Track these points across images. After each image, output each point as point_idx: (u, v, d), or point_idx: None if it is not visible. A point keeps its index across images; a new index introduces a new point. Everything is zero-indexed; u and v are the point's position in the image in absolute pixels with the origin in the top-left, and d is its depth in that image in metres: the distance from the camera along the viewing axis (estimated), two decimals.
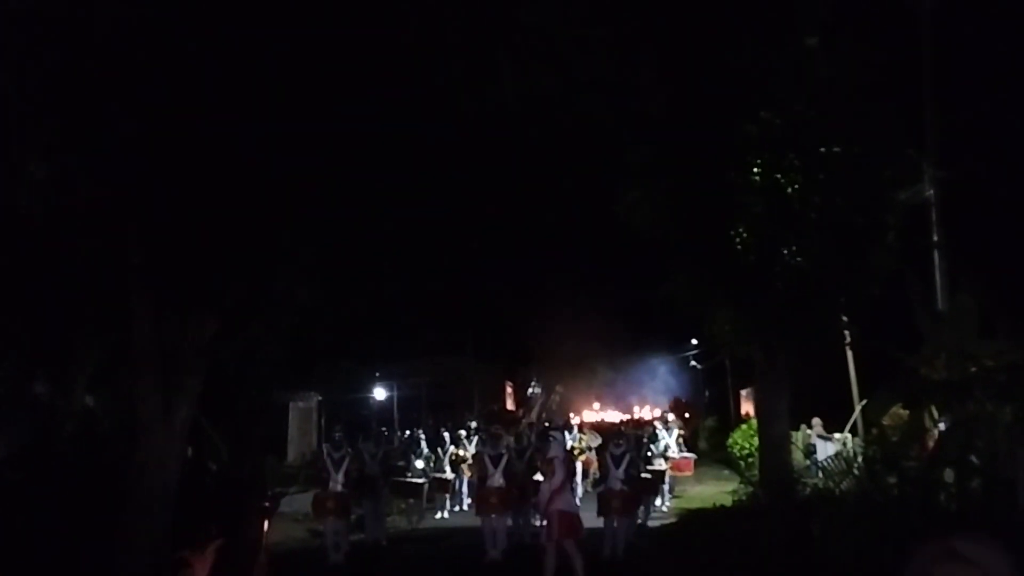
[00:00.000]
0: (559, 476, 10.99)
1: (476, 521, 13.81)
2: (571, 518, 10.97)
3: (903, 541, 7.73)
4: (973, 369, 8.91)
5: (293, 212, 10.03)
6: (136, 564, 8.78)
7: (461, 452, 18.33)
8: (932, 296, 12.02)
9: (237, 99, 8.57)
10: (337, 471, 13.49)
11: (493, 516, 13.25)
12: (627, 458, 13.32)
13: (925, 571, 1.56)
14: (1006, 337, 8.87)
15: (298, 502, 15.79)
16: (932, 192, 13.04)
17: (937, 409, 9.19)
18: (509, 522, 14.03)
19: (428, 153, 11.40)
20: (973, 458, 8.54)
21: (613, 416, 37.03)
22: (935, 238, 13.11)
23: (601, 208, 13.15)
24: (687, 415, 36.30)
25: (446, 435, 18.67)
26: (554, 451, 11.47)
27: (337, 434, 14.54)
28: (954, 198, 13.26)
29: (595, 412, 39.57)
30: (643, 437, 17.24)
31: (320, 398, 30.04)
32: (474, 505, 14.72)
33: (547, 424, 19.73)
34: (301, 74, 8.82)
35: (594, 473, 18.65)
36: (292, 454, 27.52)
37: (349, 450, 14.08)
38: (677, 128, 10.80)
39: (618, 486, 12.97)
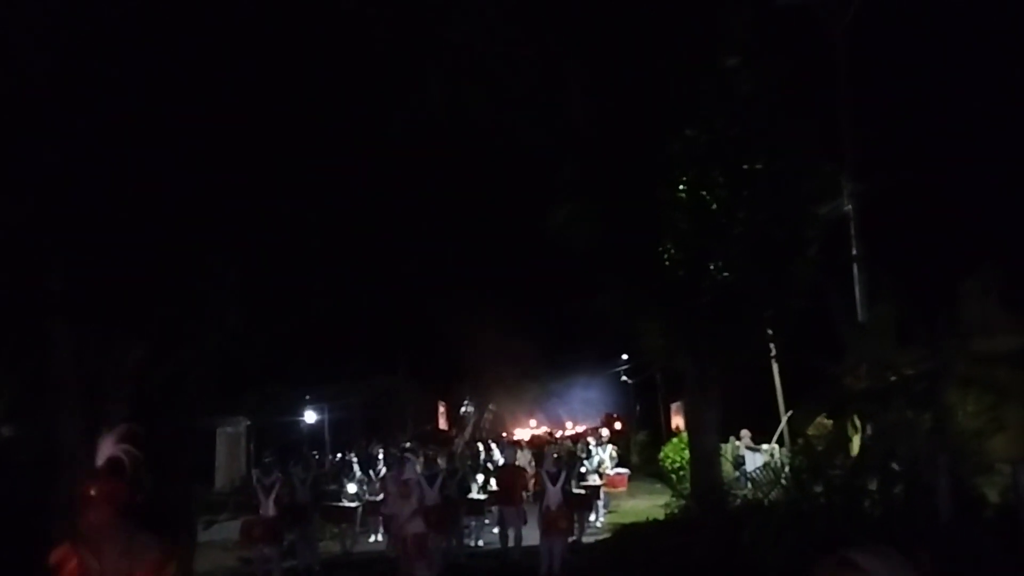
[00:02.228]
0: (415, 498, 11.05)
1: None
2: (424, 539, 11.07)
3: (830, 548, 7.90)
4: (893, 378, 9.18)
5: (220, 235, 9.87)
6: None
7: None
8: (852, 308, 12.37)
9: (161, 122, 8.43)
10: (267, 497, 13.23)
11: (431, 535, 13.13)
12: (563, 475, 13.37)
13: None
14: (923, 346, 9.16)
15: (228, 530, 15.41)
16: (850, 206, 13.45)
17: (859, 418, 9.43)
18: (443, 543, 13.95)
19: (357, 173, 11.35)
20: (895, 465, 8.79)
21: (542, 432, 37.09)
22: (854, 251, 13.50)
23: (531, 225, 13.24)
24: (617, 426, 36.58)
25: (380, 456, 18.44)
26: (409, 473, 11.46)
27: (267, 459, 14.31)
28: (872, 211, 13.69)
29: (528, 428, 39.56)
30: (577, 453, 17.31)
31: (249, 423, 29.44)
32: None
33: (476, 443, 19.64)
34: (226, 94, 8.72)
35: (528, 492, 18.63)
36: (220, 481, 26.89)
37: (279, 475, 13.82)
38: (605, 145, 10.93)
39: (555, 504, 12.97)
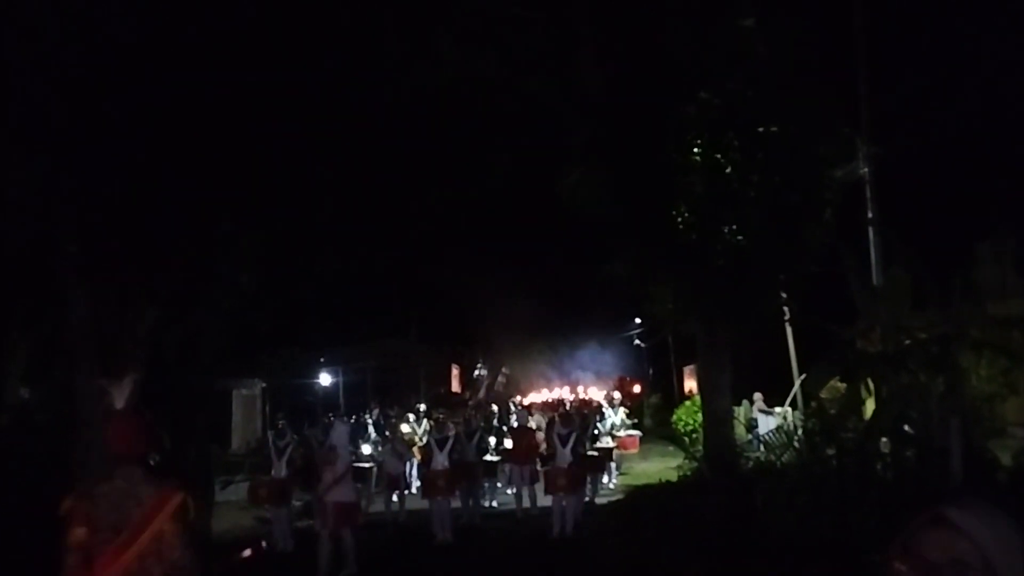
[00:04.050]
0: (341, 465, 10.98)
1: (426, 504, 13.86)
2: (349, 507, 11.05)
3: (841, 510, 7.93)
4: (907, 341, 9.15)
5: (234, 198, 9.89)
6: None
7: (407, 429, 18.17)
8: (867, 271, 12.31)
9: (173, 86, 8.41)
10: (279, 459, 13.42)
11: (439, 498, 13.30)
12: (573, 437, 13.47)
13: (912, 538, 1.52)
14: (937, 309, 9.13)
15: (244, 490, 15.65)
16: (866, 169, 13.34)
17: (873, 381, 9.41)
18: (457, 504, 14.11)
19: (368, 136, 11.30)
20: (908, 428, 8.79)
21: (556, 395, 37.21)
22: (870, 214, 13.42)
23: (543, 188, 13.18)
24: (636, 389, 36.67)
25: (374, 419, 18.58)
26: (335, 439, 11.41)
27: (280, 422, 14.47)
28: (887, 175, 13.58)
29: (541, 392, 39.71)
30: (589, 415, 17.39)
31: (264, 384, 29.73)
32: (421, 488, 14.77)
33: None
34: (238, 57, 8.68)
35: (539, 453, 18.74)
36: (236, 442, 27.23)
37: (294, 437, 14.02)
38: (617, 108, 10.84)
39: (565, 464, 13.11)
